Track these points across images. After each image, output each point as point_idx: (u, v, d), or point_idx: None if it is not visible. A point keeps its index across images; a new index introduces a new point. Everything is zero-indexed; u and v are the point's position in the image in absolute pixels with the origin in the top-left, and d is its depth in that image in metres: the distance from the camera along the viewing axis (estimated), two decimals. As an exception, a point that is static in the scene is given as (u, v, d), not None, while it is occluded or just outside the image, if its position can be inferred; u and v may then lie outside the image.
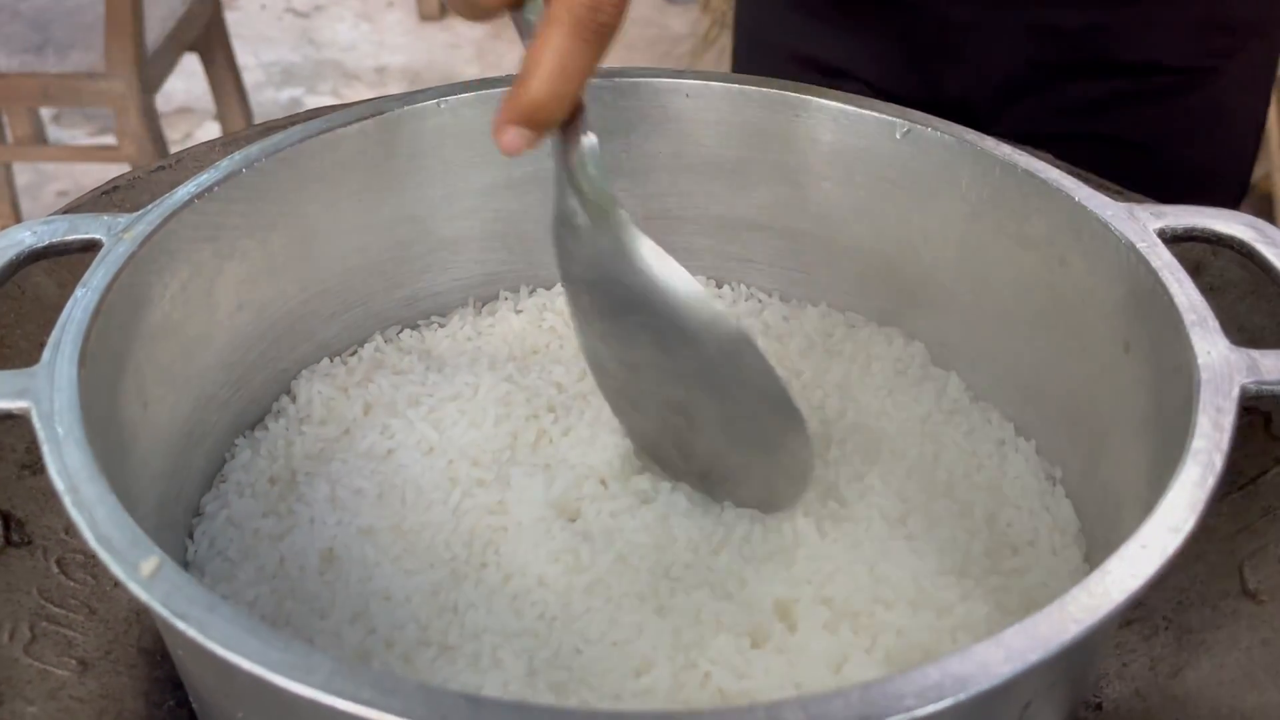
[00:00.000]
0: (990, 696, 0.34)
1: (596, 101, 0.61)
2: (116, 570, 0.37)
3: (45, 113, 2.86)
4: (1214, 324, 0.46)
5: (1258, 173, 3.07)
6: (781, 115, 0.62)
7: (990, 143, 0.57)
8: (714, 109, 0.64)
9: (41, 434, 0.41)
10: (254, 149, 0.57)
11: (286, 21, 3.89)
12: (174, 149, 2.42)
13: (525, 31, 0.47)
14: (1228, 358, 0.45)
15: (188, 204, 0.52)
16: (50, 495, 0.53)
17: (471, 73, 3.31)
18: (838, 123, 0.61)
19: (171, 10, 2.45)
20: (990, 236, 0.58)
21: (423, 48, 3.69)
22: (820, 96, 0.61)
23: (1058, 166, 0.57)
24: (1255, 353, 0.45)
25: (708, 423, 0.52)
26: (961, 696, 0.33)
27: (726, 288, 0.68)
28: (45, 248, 0.50)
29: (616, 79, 0.63)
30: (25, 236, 0.50)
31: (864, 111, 0.60)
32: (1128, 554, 0.38)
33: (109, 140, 3.23)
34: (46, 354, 0.45)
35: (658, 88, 0.63)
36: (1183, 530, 0.39)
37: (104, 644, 0.52)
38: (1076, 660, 0.41)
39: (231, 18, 2.67)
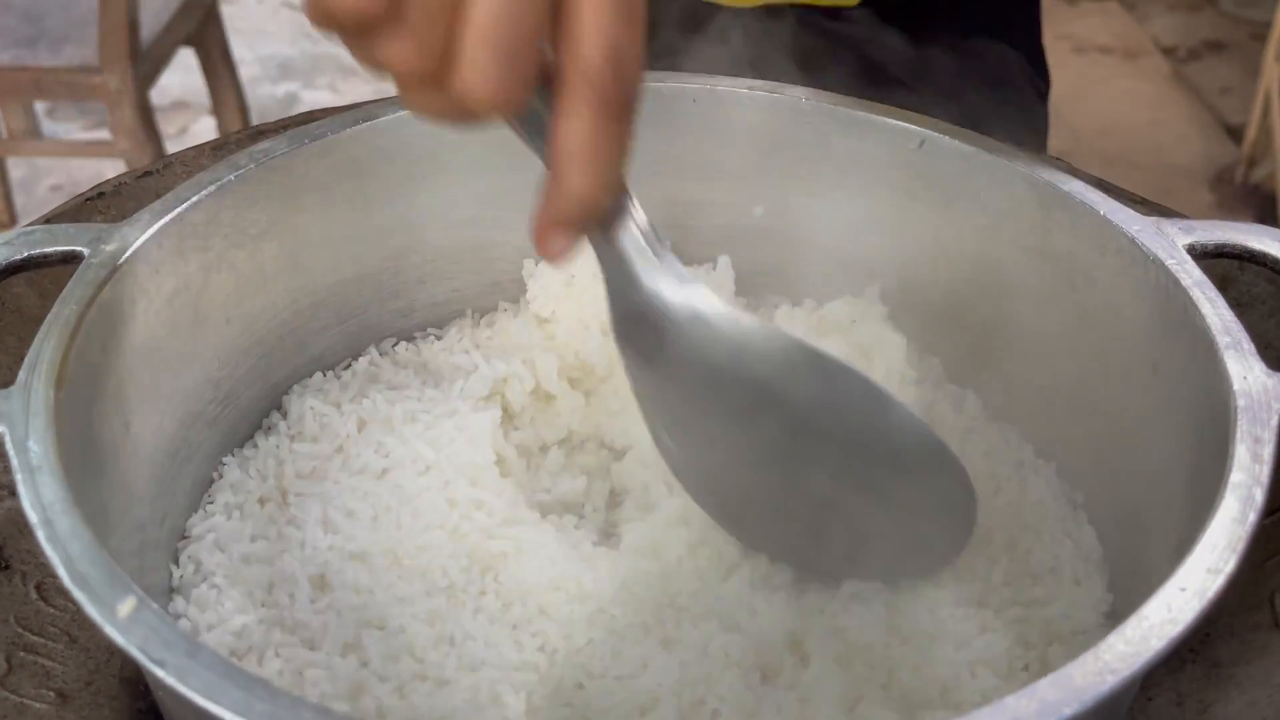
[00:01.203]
0: (1022, 753, 0.32)
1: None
2: (91, 611, 0.35)
3: (39, 107, 2.83)
4: (1249, 347, 0.44)
5: (1261, 171, 3.05)
6: (794, 121, 0.60)
7: (1009, 152, 0.55)
8: (724, 111, 0.61)
9: (15, 462, 0.39)
10: (242, 156, 0.54)
11: (283, 15, 3.87)
12: (169, 144, 2.40)
13: (532, 126, 0.40)
14: (1265, 384, 0.43)
15: (173, 214, 0.50)
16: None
17: (470, 68, 3.28)
18: (853, 131, 0.59)
19: (167, 3, 2.43)
20: (1010, 250, 0.56)
21: (421, 42, 3.68)
22: (835, 104, 0.59)
23: (1079, 177, 0.55)
24: (1294, 379, 0.43)
25: (844, 494, 0.48)
26: (990, 756, 0.31)
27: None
28: (23, 260, 0.48)
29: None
30: (4, 249, 0.48)
31: (881, 119, 0.58)
32: (1166, 597, 0.36)
33: (104, 135, 3.20)
34: (21, 375, 0.43)
35: (657, 93, 0.61)
36: (1223, 572, 0.36)
37: (84, 674, 0.49)
38: (1110, 712, 0.39)
39: (228, 11, 2.64)
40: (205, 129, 3.21)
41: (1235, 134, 3.26)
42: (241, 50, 2.80)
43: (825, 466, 0.48)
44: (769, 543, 0.51)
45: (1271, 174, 2.96)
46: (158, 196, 0.60)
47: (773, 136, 0.61)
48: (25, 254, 0.48)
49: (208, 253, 0.52)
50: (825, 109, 0.59)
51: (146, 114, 2.33)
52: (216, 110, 2.77)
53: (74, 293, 0.46)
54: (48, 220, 0.58)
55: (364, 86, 3.48)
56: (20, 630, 0.49)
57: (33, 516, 0.38)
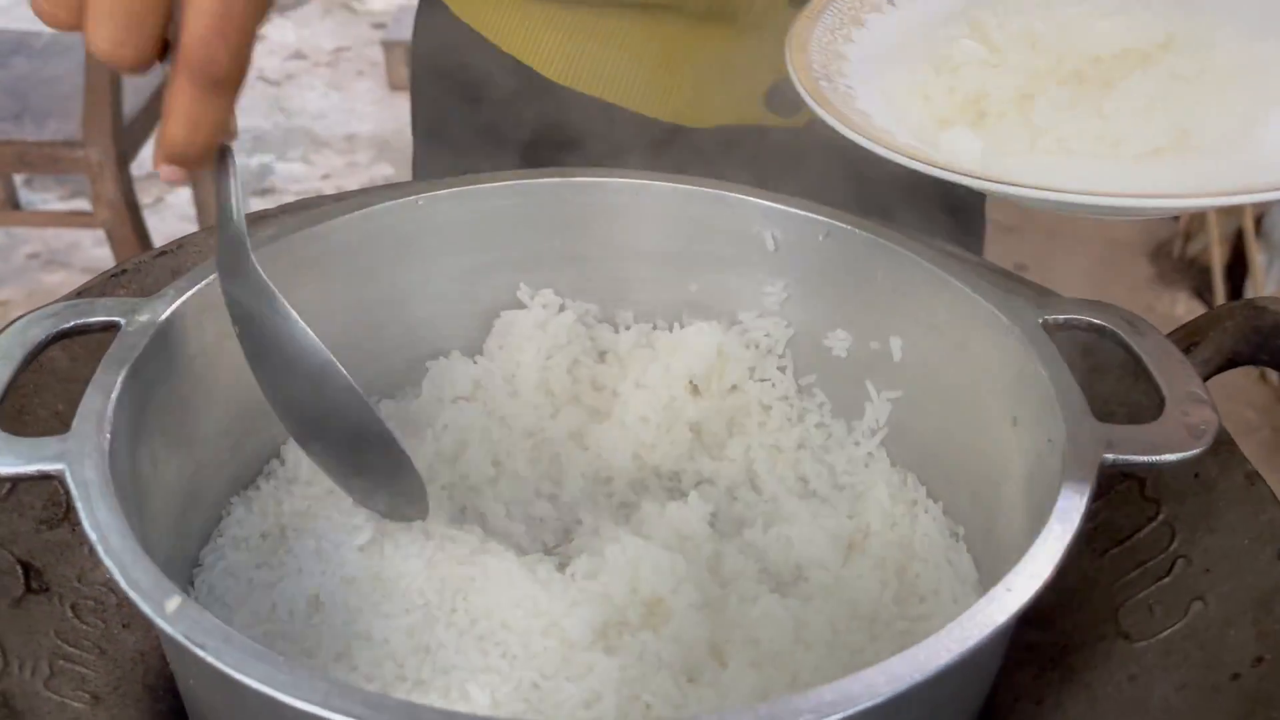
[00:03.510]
0: (875, 713, 0.41)
1: (557, 199, 0.70)
2: (145, 608, 0.44)
3: (17, 177, 2.91)
4: (1083, 404, 0.54)
5: (1197, 245, 3.20)
6: (719, 210, 0.70)
7: (903, 241, 0.65)
8: (659, 203, 0.71)
9: (76, 493, 0.48)
10: (253, 239, 0.64)
11: (258, 89, 3.98)
12: (145, 214, 2.48)
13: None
14: (1092, 432, 0.53)
15: (194, 289, 0.60)
16: (65, 547, 0.60)
17: (439, 142, 3.39)
18: (769, 219, 0.69)
19: (148, 80, 2.51)
20: (904, 322, 0.66)
21: (391, 116, 3.79)
22: (753, 196, 0.69)
23: (963, 259, 0.65)
24: (1117, 428, 0.53)
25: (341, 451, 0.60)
26: (850, 711, 0.40)
27: (669, 359, 0.75)
28: (70, 328, 0.57)
29: (574, 178, 0.71)
30: (50, 319, 0.57)
31: (794, 211, 0.68)
32: (995, 595, 0.45)
33: (80, 204, 3.29)
34: (76, 423, 0.52)
35: (609, 187, 0.71)
36: (1041, 576, 0.46)
37: (113, 680, 0.58)
38: (954, 686, 0.48)
39: (205, 87, 2.73)
40: (180, 200, 3.30)
41: (1173, 209, 3.40)
42: (217, 123, 2.88)
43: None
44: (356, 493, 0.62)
45: (1206, 248, 3.11)
46: (172, 273, 0.70)
47: (705, 224, 0.71)
48: (72, 323, 0.57)
49: (221, 322, 0.62)
50: (749, 202, 0.70)
51: (127, 186, 2.40)
52: (194, 181, 2.85)
53: (115, 355, 0.55)
54: (78, 294, 0.67)
55: (336, 159, 3.59)
56: (59, 643, 0.58)
57: (92, 535, 0.47)
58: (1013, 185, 0.53)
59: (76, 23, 0.48)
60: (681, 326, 0.74)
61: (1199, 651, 0.55)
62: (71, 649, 0.58)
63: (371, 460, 0.59)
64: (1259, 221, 2.93)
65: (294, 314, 0.55)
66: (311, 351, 0.56)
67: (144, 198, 2.97)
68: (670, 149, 0.86)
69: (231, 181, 0.55)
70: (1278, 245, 2.95)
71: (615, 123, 0.91)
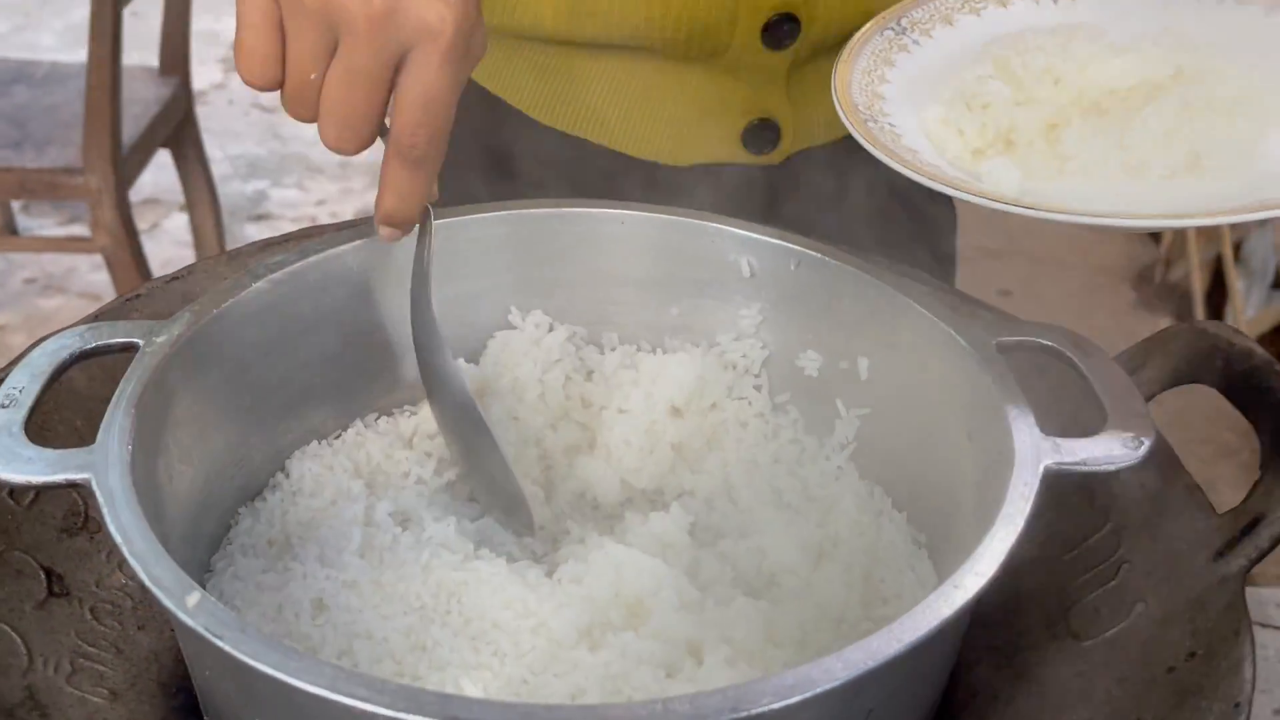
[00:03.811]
0: (833, 696, 0.46)
1: (545, 229, 0.75)
2: (168, 603, 0.48)
3: (14, 202, 2.95)
4: (1030, 419, 0.59)
5: (1178, 271, 3.25)
6: (698, 239, 0.75)
7: (868, 268, 0.70)
8: (642, 233, 0.76)
9: (102, 501, 0.52)
10: (258, 266, 0.68)
11: (253, 116, 4.03)
12: (142, 239, 2.52)
13: None
14: (1037, 444, 0.57)
15: (207, 314, 0.64)
16: (84, 554, 0.65)
17: (432, 168, 3.44)
18: (744, 247, 0.74)
19: (146, 108, 2.56)
20: (870, 344, 0.71)
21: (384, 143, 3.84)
22: (729, 225, 0.74)
23: (925, 284, 0.70)
24: (1061, 440, 0.58)
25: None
26: (808, 694, 0.45)
27: (653, 380, 0.80)
28: (92, 348, 0.62)
29: (562, 209, 0.76)
30: (75, 340, 0.62)
31: (767, 240, 0.73)
32: (943, 591, 0.50)
33: (76, 229, 3.33)
34: (100, 436, 0.56)
35: (596, 218, 0.75)
36: (986, 575, 0.51)
37: (130, 678, 0.62)
38: (906, 673, 0.52)
39: (199, 112, 2.78)
40: (176, 224, 3.34)
41: (1157, 235, 3.47)
42: (212, 149, 2.93)
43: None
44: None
45: (1187, 274, 3.17)
46: (182, 298, 0.75)
47: (685, 252, 0.76)
48: (94, 344, 0.62)
49: (233, 343, 0.66)
50: (726, 231, 0.74)
51: (125, 212, 2.43)
52: (190, 207, 2.88)
53: (134, 374, 0.60)
54: (96, 317, 0.72)
55: (330, 185, 3.64)
56: (80, 642, 0.62)
57: (118, 538, 0.51)
58: (1053, 213, 0.58)
59: (312, 119, 0.59)
60: (664, 350, 0.78)
61: (1139, 648, 0.60)
62: (91, 648, 0.62)
63: (495, 483, 0.70)
64: (1238, 248, 2.99)
65: (449, 352, 0.69)
66: (460, 390, 0.69)
67: (141, 223, 3.01)
68: (649, 187, 0.91)
69: (429, 237, 0.67)
70: (1256, 271, 3.00)
71: (596, 161, 0.95)
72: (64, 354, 0.61)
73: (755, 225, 0.74)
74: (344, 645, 0.61)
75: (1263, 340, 2.98)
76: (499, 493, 0.71)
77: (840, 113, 0.67)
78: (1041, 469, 0.56)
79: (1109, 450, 0.57)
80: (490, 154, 0.99)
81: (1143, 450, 0.57)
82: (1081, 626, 0.63)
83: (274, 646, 0.46)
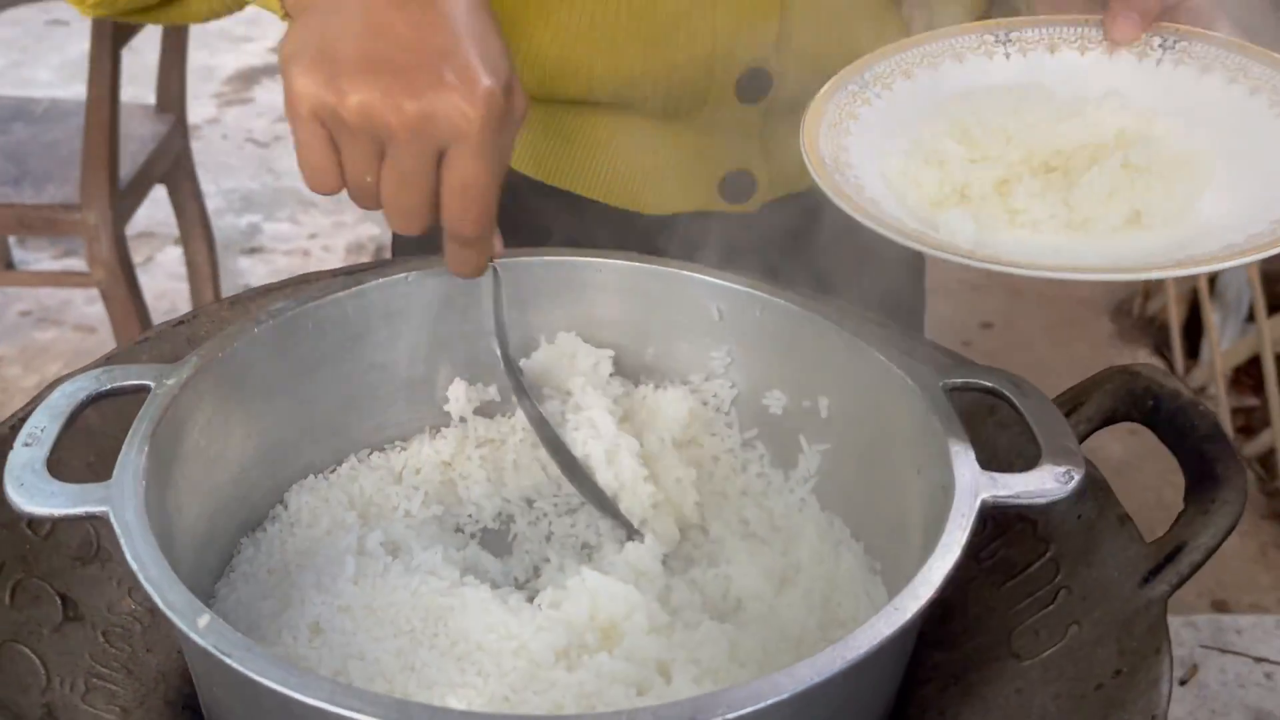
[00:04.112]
0: (783, 707, 0.51)
1: (531, 275, 0.80)
2: (181, 625, 0.53)
3: (10, 236, 3.00)
4: (970, 455, 0.64)
5: (1155, 304, 3.31)
6: (672, 285, 0.80)
7: (830, 314, 0.75)
8: (620, 279, 0.81)
9: (119, 531, 0.57)
10: (261, 312, 0.73)
11: (247, 151, 4.09)
12: (137, 272, 2.56)
13: None
14: (976, 479, 0.62)
15: (213, 359, 0.69)
16: (96, 581, 0.69)
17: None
18: (714, 294, 0.79)
19: (143, 145, 2.60)
20: (829, 385, 0.76)
21: (376, 177, 3.90)
22: (700, 273, 0.79)
23: (881, 327, 0.75)
24: (997, 475, 0.63)
25: None
26: (760, 705, 0.50)
27: (630, 416, 0.85)
28: (107, 390, 0.67)
29: (546, 257, 0.81)
30: (91, 382, 0.67)
31: (735, 287, 0.78)
32: (885, 613, 0.55)
33: (72, 263, 3.37)
34: (116, 472, 0.61)
35: (575, 264, 0.81)
36: (924, 598, 0.56)
37: (139, 696, 0.67)
38: (852, 688, 0.57)
39: (193, 146, 2.83)
40: (170, 258, 3.39)
41: (1134, 268, 3.52)
42: (206, 183, 2.97)
43: None
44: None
45: (1164, 307, 3.23)
46: (188, 340, 0.80)
47: (660, 298, 0.81)
48: (109, 386, 0.67)
49: (235, 385, 0.71)
50: (697, 279, 0.80)
51: (122, 247, 2.47)
52: (185, 241, 2.92)
53: (147, 414, 0.65)
54: (108, 360, 0.77)
55: (322, 219, 3.69)
56: (93, 663, 0.67)
57: (134, 566, 0.56)
58: (1003, 266, 0.64)
59: (377, 209, 0.65)
60: (638, 385, 0.83)
61: (1073, 667, 0.65)
62: (103, 669, 0.67)
63: (595, 497, 0.78)
64: (1213, 282, 3.05)
65: (529, 398, 0.77)
66: (543, 425, 0.77)
67: (135, 256, 3.06)
68: (632, 235, 0.96)
69: (499, 290, 0.76)
70: (1230, 304, 3.07)
71: (582, 211, 1.01)
72: (81, 395, 0.66)
73: (724, 273, 0.80)
74: (339, 665, 0.66)
75: (1238, 371, 3.05)
76: (603, 504, 0.78)
77: (809, 167, 0.72)
78: (979, 502, 0.61)
79: (1041, 484, 0.62)
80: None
81: (1072, 485, 0.63)
82: (1022, 647, 0.68)
83: (277, 664, 0.51)
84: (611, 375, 0.83)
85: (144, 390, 0.67)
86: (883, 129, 0.77)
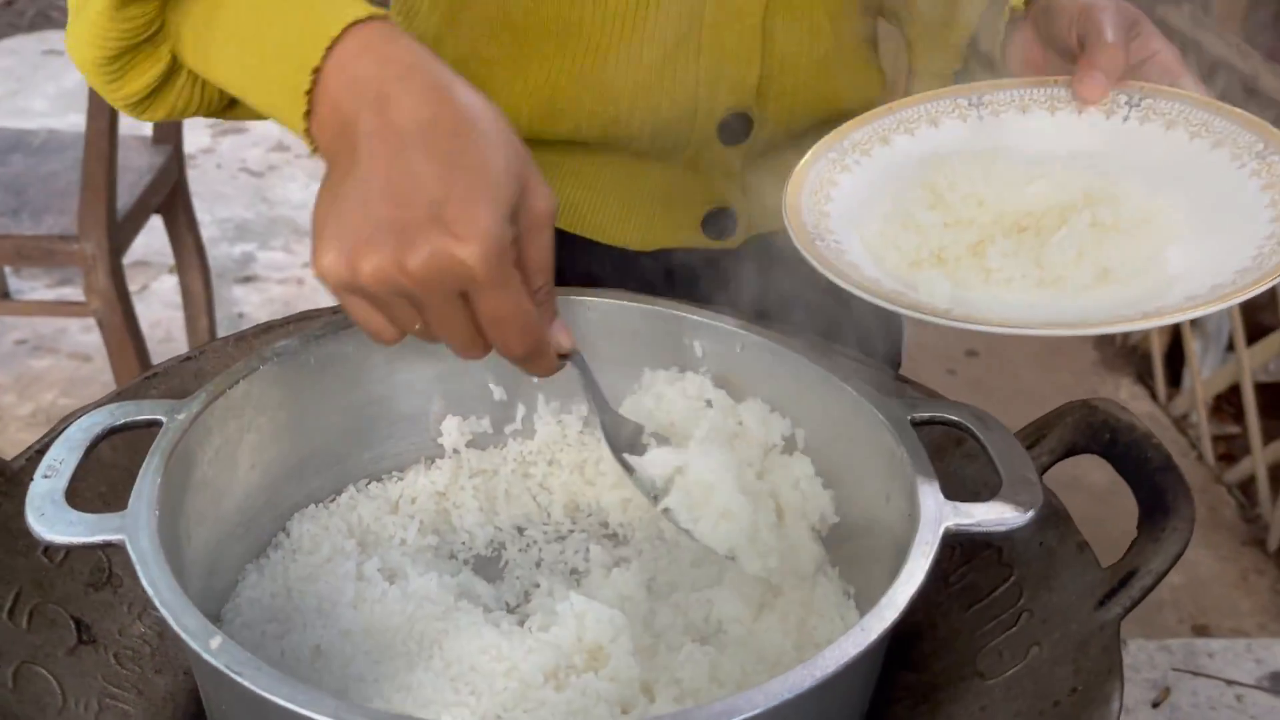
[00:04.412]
0: (758, 721, 0.54)
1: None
2: (194, 645, 0.57)
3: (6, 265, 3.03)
4: (935, 485, 0.68)
5: (1137, 334, 3.36)
6: (657, 323, 0.85)
7: (804, 350, 0.80)
8: (608, 317, 0.86)
9: (135, 558, 0.61)
10: (266, 350, 0.77)
11: (241, 180, 4.13)
12: (132, 301, 2.59)
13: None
14: (940, 508, 0.66)
15: (221, 394, 0.73)
16: (108, 606, 0.73)
17: (415, 232, 3.54)
18: (696, 330, 0.83)
19: (140, 176, 2.64)
20: (805, 417, 0.80)
21: (369, 207, 3.94)
22: (683, 311, 0.83)
23: (853, 364, 0.79)
24: (960, 504, 0.67)
25: None
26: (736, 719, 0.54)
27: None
28: (121, 425, 0.70)
29: (535, 296, 0.85)
30: (106, 417, 0.70)
31: (715, 324, 0.83)
32: (852, 634, 0.59)
33: (67, 292, 3.41)
34: (131, 503, 0.65)
35: (567, 302, 0.85)
36: (887, 619, 0.59)
37: (149, 715, 0.70)
38: (824, 704, 0.61)
39: (188, 176, 2.87)
40: (165, 286, 3.42)
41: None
42: (201, 213, 3.01)
43: None
44: None
45: (1146, 336, 3.28)
46: (195, 376, 0.83)
47: (646, 333, 0.85)
48: (123, 420, 0.70)
49: (242, 419, 0.75)
50: (681, 316, 0.84)
51: (119, 277, 2.50)
52: (180, 270, 2.96)
53: (159, 447, 0.68)
54: (118, 396, 0.80)
55: (316, 248, 3.71)
56: (106, 684, 0.70)
57: (150, 590, 0.60)
58: (978, 324, 0.69)
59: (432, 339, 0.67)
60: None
61: (1033, 685, 0.69)
62: (116, 689, 0.70)
63: None
64: (1194, 310, 3.10)
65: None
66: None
67: (131, 285, 3.09)
68: (619, 269, 1.01)
69: (588, 378, 0.77)
70: (1211, 334, 3.12)
71: (571, 246, 1.05)
72: (97, 429, 0.70)
73: (706, 311, 0.84)
74: (339, 686, 0.69)
75: (1219, 399, 3.09)
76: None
77: (791, 235, 0.77)
78: (942, 529, 0.65)
79: (1000, 514, 0.67)
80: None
81: (1030, 514, 0.67)
82: (987, 667, 0.72)
83: (285, 681, 0.55)
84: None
85: (156, 424, 0.71)
86: (862, 195, 0.82)
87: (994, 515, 0.66)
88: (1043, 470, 0.76)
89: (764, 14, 0.94)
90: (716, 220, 1.04)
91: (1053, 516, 0.75)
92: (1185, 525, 0.68)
